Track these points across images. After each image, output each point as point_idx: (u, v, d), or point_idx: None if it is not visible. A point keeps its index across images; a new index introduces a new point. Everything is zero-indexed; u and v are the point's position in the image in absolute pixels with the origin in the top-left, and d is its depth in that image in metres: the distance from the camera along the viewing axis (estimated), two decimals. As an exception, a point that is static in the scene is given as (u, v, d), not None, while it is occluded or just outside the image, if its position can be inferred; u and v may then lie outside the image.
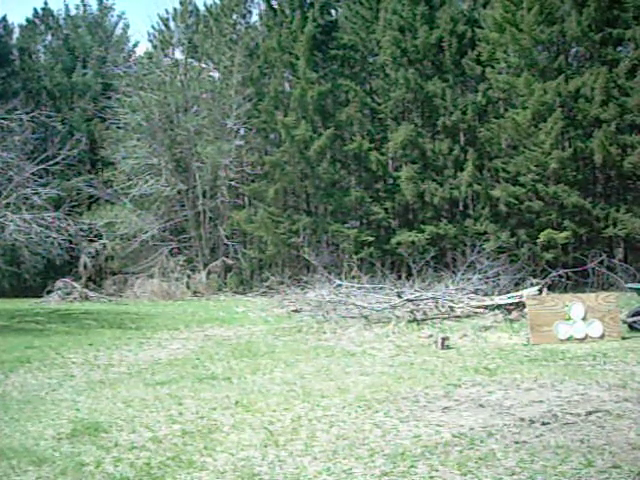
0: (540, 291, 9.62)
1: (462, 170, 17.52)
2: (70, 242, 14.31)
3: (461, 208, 18.56)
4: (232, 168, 20.68)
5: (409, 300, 10.32)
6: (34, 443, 4.05)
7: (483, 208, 17.61)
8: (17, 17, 50.11)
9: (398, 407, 4.65)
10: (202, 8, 23.99)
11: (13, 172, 13.60)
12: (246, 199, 21.34)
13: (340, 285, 11.64)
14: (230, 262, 19.85)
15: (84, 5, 28.84)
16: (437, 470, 3.33)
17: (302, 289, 13.46)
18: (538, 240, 15.76)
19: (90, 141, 21.83)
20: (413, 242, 17.46)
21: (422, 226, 17.72)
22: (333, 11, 21.21)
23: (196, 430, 4.12)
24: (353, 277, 13.28)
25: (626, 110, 15.49)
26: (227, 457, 3.63)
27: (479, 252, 13.28)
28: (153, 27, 24.12)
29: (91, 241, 17.70)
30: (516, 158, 16.58)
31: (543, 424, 4.06)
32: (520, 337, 7.96)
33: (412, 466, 3.41)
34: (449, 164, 18.19)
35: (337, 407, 4.70)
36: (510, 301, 9.85)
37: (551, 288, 11.16)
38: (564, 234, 15.59)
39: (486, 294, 10.97)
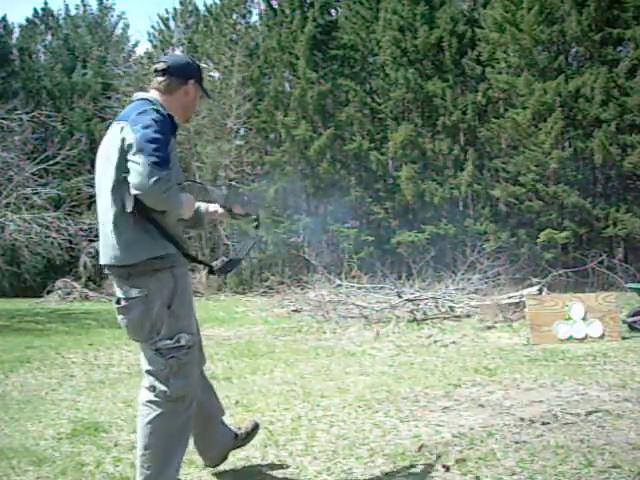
0: (540, 291, 9.63)
1: (462, 170, 17.53)
2: (70, 242, 14.31)
3: (461, 208, 18.57)
4: (232, 168, 20.68)
5: (409, 300, 10.33)
6: (34, 443, 4.05)
7: (483, 208, 17.63)
8: (17, 17, 50.18)
9: (398, 407, 4.65)
10: (202, 8, 24.04)
11: (13, 172, 13.60)
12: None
13: (340, 285, 11.65)
14: (230, 262, 19.82)
15: (84, 5, 28.90)
16: (437, 470, 3.33)
17: (302, 289, 13.46)
18: (538, 240, 15.77)
19: (90, 141, 21.82)
20: (413, 242, 17.47)
21: (422, 226, 17.73)
22: (333, 11, 21.23)
23: (196, 430, 4.11)
24: (353, 277, 13.29)
25: (626, 110, 15.50)
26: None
27: (479, 252, 13.29)
28: (153, 27, 24.21)
29: (91, 241, 17.68)
30: (516, 158, 16.60)
31: (543, 424, 4.06)
32: (520, 337, 7.96)
33: (412, 466, 3.41)
34: (449, 164, 18.21)
35: (337, 407, 4.70)
36: (510, 301, 9.85)
37: (551, 288, 11.17)
38: (564, 234, 15.60)
39: (486, 294, 10.98)
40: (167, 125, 2.69)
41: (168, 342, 2.70)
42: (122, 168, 2.63)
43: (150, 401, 2.76)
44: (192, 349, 2.79)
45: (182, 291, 2.75)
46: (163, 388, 2.73)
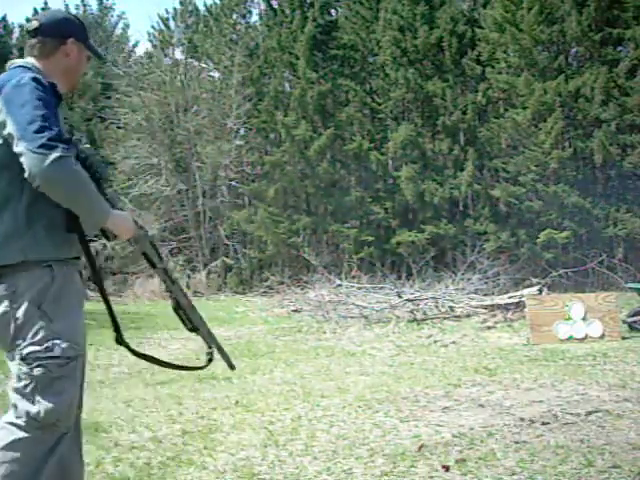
0: (540, 291, 9.63)
1: (462, 170, 17.52)
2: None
3: (461, 208, 18.56)
4: (232, 168, 20.66)
5: (409, 300, 10.33)
6: (34, 443, 4.04)
7: (483, 208, 17.61)
8: (17, 17, 50.14)
9: (398, 407, 4.65)
10: (202, 8, 24.03)
11: (13, 172, 13.60)
12: (246, 199, 21.34)
13: (340, 285, 11.65)
14: (230, 262, 19.84)
15: (84, 5, 28.88)
16: (437, 470, 3.33)
17: (302, 289, 13.47)
18: (538, 240, 15.76)
19: (90, 141, 21.82)
20: (413, 242, 17.46)
21: (422, 226, 17.71)
22: (333, 11, 21.22)
23: (196, 430, 4.13)
24: (353, 277, 13.29)
25: (626, 110, 15.48)
26: (227, 457, 3.63)
27: (479, 252, 13.29)
28: (153, 27, 24.15)
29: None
30: (516, 158, 16.58)
31: (543, 424, 4.06)
32: (520, 337, 7.96)
33: (412, 466, 3.41)
34: (449, 164, 18.20)
35: (337, 407, 4.71)
36: (510, 301, 9.86)
37: (551, 288, 11.17)
38: (564, 234, 15.58)
39: (486, 294, 10.98)
40: (49, 95, 2.20)
41: (36, 348, 2.14)
42: (5, 146, 2.16)
43: (10, 422, 2.17)
44: (71, 362, 2.19)
45: (59, 289, 2.22)
46: (27, 407, 2.14)
